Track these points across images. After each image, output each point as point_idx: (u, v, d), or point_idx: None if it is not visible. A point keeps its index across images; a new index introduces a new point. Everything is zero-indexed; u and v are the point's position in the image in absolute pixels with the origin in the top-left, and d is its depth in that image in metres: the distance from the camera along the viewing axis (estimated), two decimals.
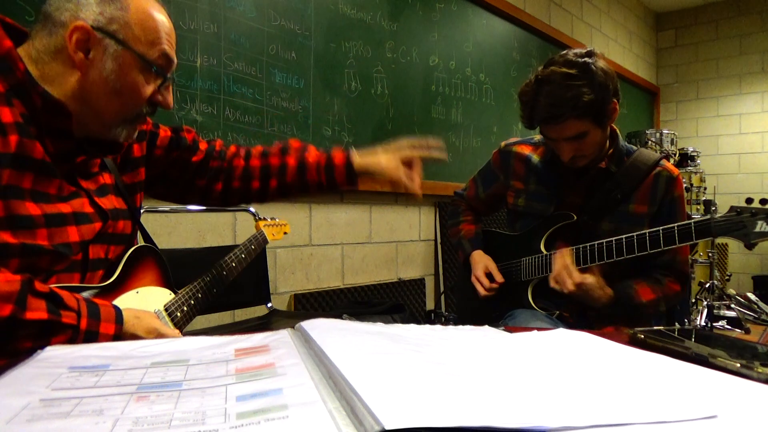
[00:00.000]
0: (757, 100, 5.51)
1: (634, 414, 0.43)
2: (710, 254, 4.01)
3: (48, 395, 0.48)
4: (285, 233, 1.65)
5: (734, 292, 4.24)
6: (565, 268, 1.28)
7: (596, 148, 1.31)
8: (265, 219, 1.62)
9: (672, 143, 4.19)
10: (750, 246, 1.06)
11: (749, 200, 1.08)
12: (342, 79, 2.51)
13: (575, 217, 1.38)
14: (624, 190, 1.35)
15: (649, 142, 4.14)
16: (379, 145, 1.16)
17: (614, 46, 5.24)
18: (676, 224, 1.16)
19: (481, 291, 1.48)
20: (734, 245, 5.55)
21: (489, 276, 1.50)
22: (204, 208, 2.01)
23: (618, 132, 1.40)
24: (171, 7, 1.85)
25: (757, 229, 1.04)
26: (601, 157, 1.37)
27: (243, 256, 1.28)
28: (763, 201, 1.05)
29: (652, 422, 0.42)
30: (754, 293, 4.26)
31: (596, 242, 1.29)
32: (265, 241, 1.48)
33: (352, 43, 2.56)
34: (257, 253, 1.38)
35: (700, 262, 4.00)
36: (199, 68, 1.95)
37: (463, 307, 1.75)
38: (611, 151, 1.38)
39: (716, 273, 4.08)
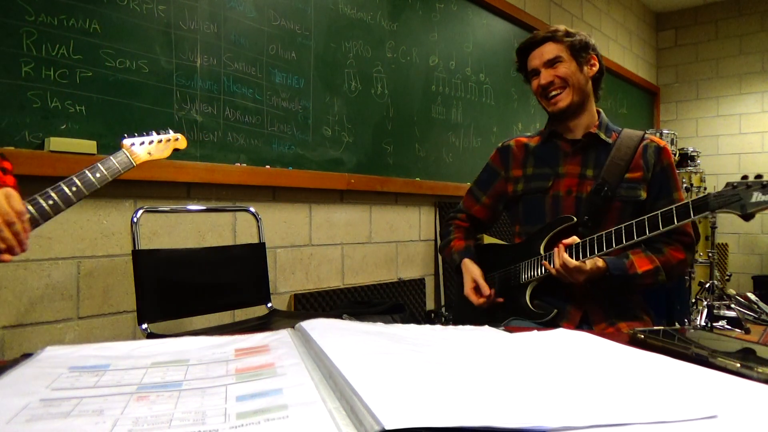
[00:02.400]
0: (757, 100, 5.50)
1: (634, 414, 0.43)
2: (710, 254, 4.01)
3: (48, 395, 0.48)
4: (177, 149, 1.42)
5: (734, 292, 4.24)
6: (557, 254, 1.34)
7: (572, 79, 1.44)
8: (133, 135, 1.35)
9: (672, 143, 4.19)
10: (747, 217, 1.08)
11: (745, 177, 1.09)
12: (342, 79, 2.51)
13: (575, 219, 1.39)
14: (621, 166, 1.42)
15: None
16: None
17: (614, 46, 5.24)
18: (673, 206, 1.19)
19: (475, 302, 1.50)
20: (734, 245, 5.55)
21: (477, 290, 1.51)
22: (204, 207, 2.01)
23: (600, 110, 1.53)
24: (171, 7, 1.85)
25: (753, 200, 1.06)
26: (589, 126, 1.47)
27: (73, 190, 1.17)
28: (757, 176, 1.07)
29: (652, 422, 0.42)
30: (754, 293, 4.25)
31: (597, 234, 1.29)
32: (128, 165, 1.27)
33: (352, 43, 2.56)
34: (114, 176, 1.23)
35: (700, 262, 4.00)
36: (199, 68, 1.95)
37: (462, 315, 1.75)
38: (597, 122, 1.49)
39: (716, 273, 4.08)
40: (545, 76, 1.45)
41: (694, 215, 1.14)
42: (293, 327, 0.74)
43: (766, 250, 5.45)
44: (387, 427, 0.37)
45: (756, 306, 4.00)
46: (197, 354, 0.63)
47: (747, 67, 5.55)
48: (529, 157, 1.54)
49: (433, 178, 3.01)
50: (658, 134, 4.16)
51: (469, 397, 0.45)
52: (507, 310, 1.47)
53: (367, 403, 0.41)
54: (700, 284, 3.98)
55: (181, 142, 1.45)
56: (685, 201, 1.17)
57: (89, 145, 1.65)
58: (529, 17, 3.82)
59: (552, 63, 1.44)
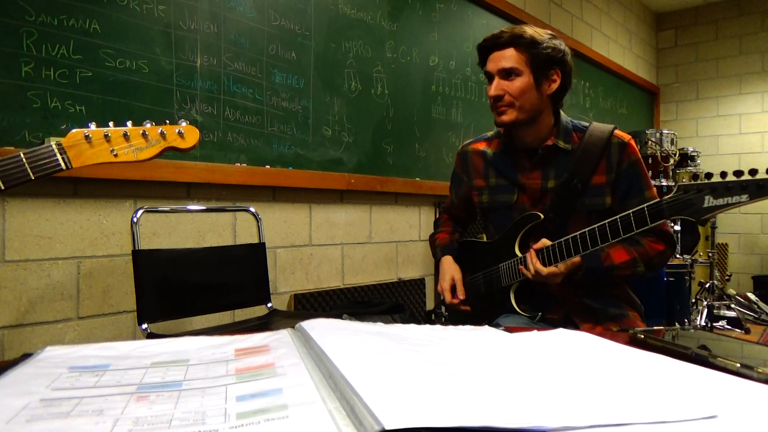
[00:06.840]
0: (757, 100, 5.50)
1: (634, 414, 0.43)
2: (710, 254, 4.01)
3: (48, 395, 0.48)
4: (173, 149, 1.04)
5: (734, 292, 4.24)
6: (530, 261, 1.34)
7: (523, 98, 1.35)
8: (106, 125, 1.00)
9: (672, 143, 4.19)
10: (702, 222, 1.08)
11: (695, 176, 1.09)
12: (342, 79, 2.51)
13: (542, 216, 1.38)
14: (589, 167, 1.36)
15: (649, 142, 4.14)
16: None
17: (614, 46, 5.24)
18: (630, 211, 1.18)
19: (447, 299, 1.53)
20: (734, 245, 5.55)
21: (454, 289, 1.53)
22: (204, 207, 2.01)
23: (561, 111, 1.45)
24: (171, 7, 1.85)
25: (706, 205, 1.05)
26: (546, 135, 1.41)
27: None
28: (708, 175, 1.06)
29: (652, 422, 0.42)
30: (754, 293, 4.26)
31: (563, 239, 1.29)
32: (54, 167, 0.94)
33: (352, 43, 2.56)
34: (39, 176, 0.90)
35: (700, 262, 4.00)
36: (199, 68, 1.95)
37: (453, 315, 1.77)
38: (555, 129, 1.41)
39: (716, 273, 4.08)
40: (496, 87, 1.36)
41: (651, 222, 1.15)
42: (293, 327, 0.74)
43: (766, 250, 5.45)
44: (387, 427, 0.37)
45: (756, 306, 4.01)
46: (197, 354, 0.63)
47: (747, 67, 5.55)
48: (489, 168, 1.51)
49: (433, 178, 3.01)
50: (657, 134, 4.17)
51: (469, 397, 0.45)
52: (496, 309, 1.48)
53: (367, 403, 0.41)
54: (700, 284, 3.98)
55: (186, 139, 1.07)
56: (641, 207, 1.17)
57: None
58: (529, 17, 3.82)
59: (507, 74, 1.35)
